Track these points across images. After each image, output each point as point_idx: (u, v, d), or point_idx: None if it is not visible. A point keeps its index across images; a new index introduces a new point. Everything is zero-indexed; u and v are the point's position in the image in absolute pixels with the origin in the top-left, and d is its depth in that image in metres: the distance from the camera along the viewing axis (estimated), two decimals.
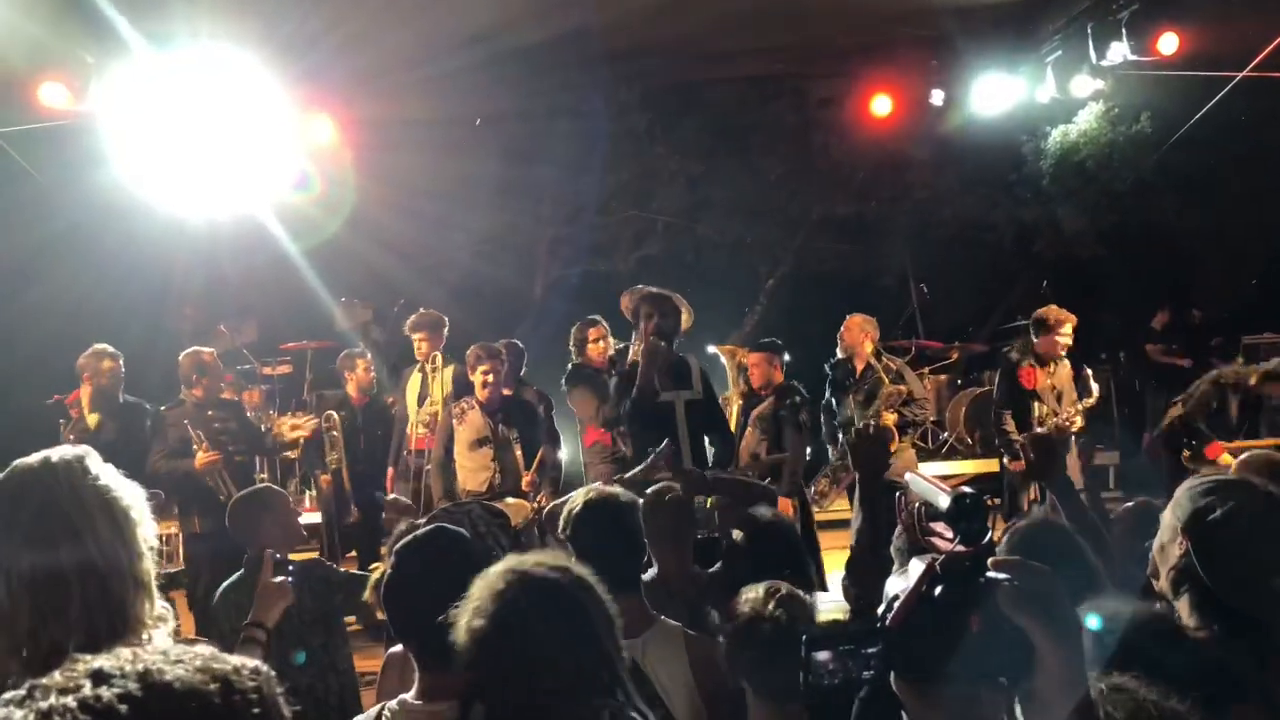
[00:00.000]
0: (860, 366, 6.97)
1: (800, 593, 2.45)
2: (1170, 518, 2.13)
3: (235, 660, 0.99)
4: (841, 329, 7.12)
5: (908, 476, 1.67)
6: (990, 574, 1.25)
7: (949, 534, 1.41)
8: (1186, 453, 6.27)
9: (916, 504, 1.50)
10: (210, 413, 6.25)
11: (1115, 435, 9.45)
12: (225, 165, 7.43)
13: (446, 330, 7.08)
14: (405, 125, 8.94)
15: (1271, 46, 6.89)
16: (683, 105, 10.70)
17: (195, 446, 5.98)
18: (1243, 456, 3.59)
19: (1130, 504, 3.47)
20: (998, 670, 1.22)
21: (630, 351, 5.40)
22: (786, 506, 5.89)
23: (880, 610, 1.38)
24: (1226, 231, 11.06)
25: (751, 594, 2.42)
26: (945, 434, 10.09)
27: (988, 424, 8.15)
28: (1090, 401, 7.03)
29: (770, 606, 2.36)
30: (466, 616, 1.77)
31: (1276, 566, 2.06)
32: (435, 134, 9.29)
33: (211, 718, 0.93)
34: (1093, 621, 1.61)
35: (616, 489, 3.14)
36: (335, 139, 8.27)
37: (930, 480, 1.53)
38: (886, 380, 6.82)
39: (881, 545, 3.00)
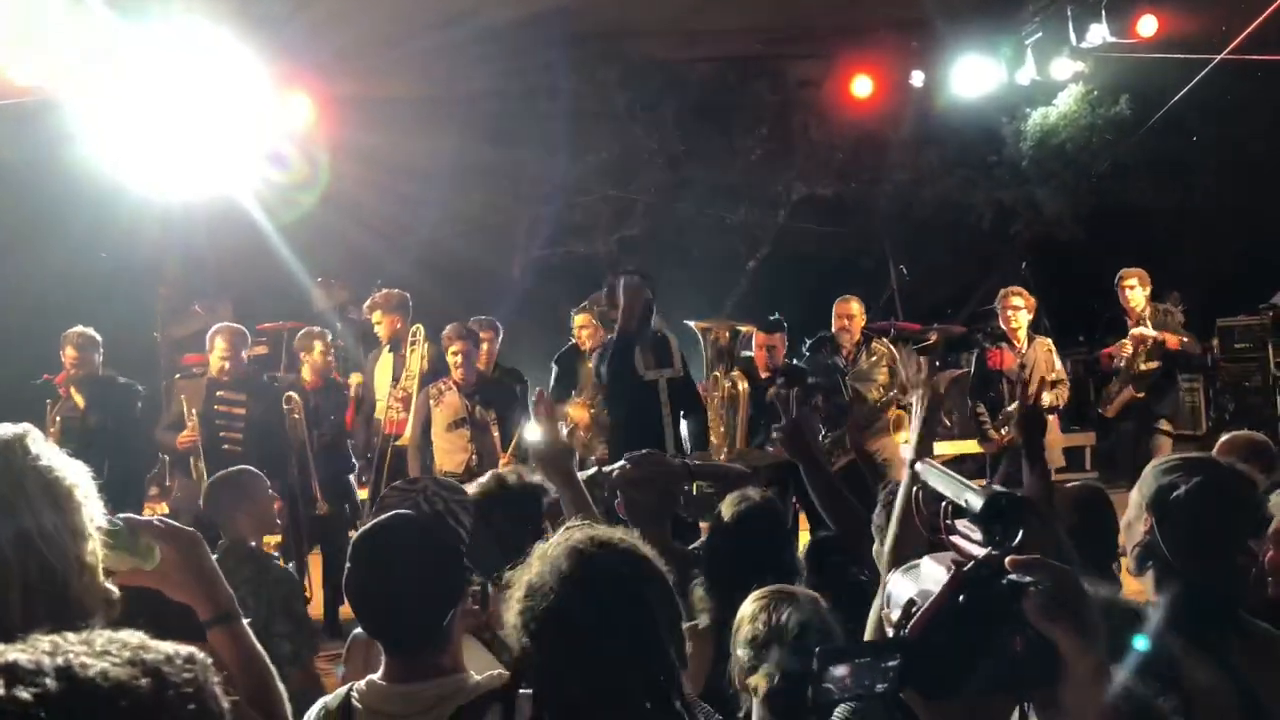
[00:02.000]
0: (849, 348, 6.78)
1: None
2: (1137, 495, 2.14)
3: (168, 648, 0.89)
4: (843, 307, 6.84)
5: (920, 467, 1.54)
6: (1013, 577, 1.16)
7: (975, 535, 1.29)
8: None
9: (944, 503, 1.36)
10: (221, 393, 6.07)
11: (1090, 417, 9.50)
12: (200, 143, 7.31)
13: (410, 308, 6.82)
14: (382, 103, 8.88)
15: (1249, 29, 6.91)
16: (662, 85, 10.63)
17: (186, 421, 5.91)
18: (1225, 437, 3.62)
19: (1072, 486, 3.49)
20: (1023, 683, 1.15)
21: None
22: None
23: (897, 618, 1.29)
24: (1203, 214, 11.11)
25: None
26: None
27: (964, 405, 8.18)
28: (1052, 377, 6.95)
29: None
30: (522, 590, 1.61)
31: (1238, 543, 2.08)
32: (412, 112, 9.23)
33: (143, 716, 0.83)
34: (1140, 644, 1.51)
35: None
36: (312, 117, 8.20)
37: (948, 472, 1.40)
38: (897, 367, 6.69)
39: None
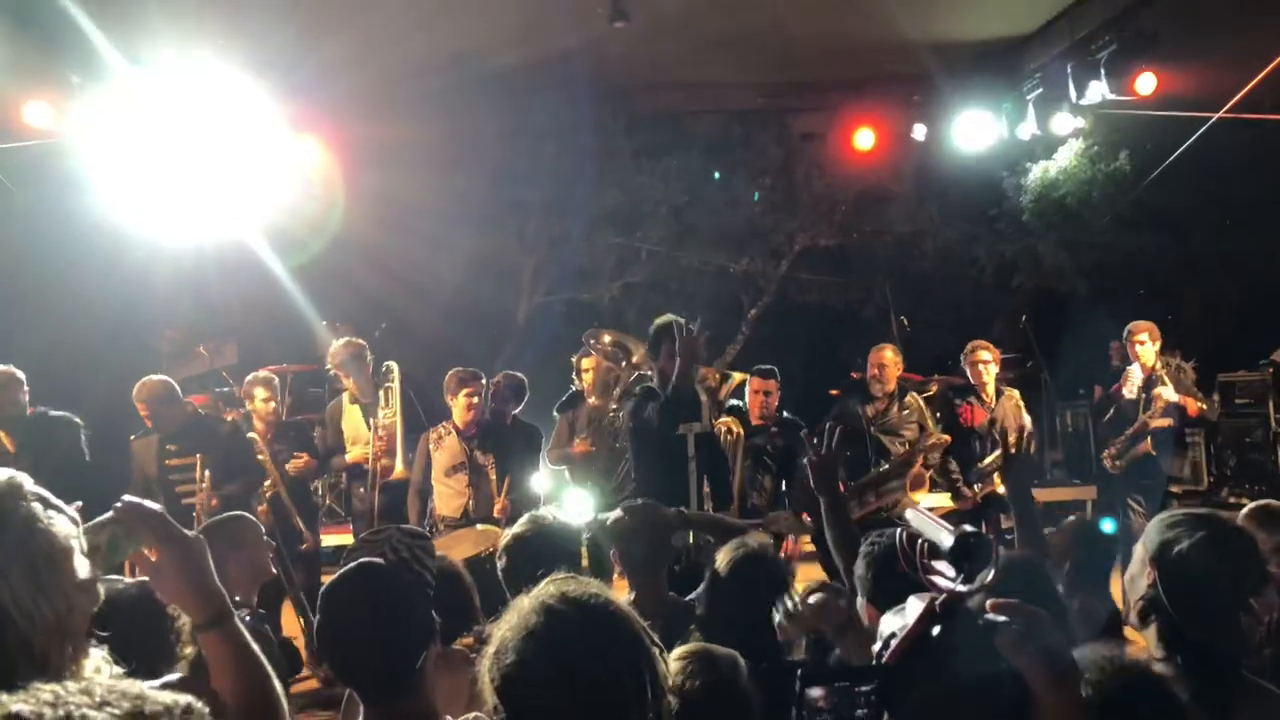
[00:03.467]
0: (881, 398, 6.59)
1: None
2: (1140, 549, 2.15)
3: (166, 699, 0.90)
4: (877, 355, 6.66)
5: (908, 513, 1.65)
6: (989, 616, 1.22)
7: (950, 573, 1.38)
8: None
9: (919, 540, 1.47)
10: (170, 446, 5.90)
11: (1092, 470, 9.48)
12: (211, 186, 7.40)
13: (369, 356, 6.71)
14: (392, 146, 8.96)
15: (1244, 91, 7.00)
16: (668, 135, 10.77)
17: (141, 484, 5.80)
18: (1250, 506, 3.58)
19: (1066, 524, 3.47)
20: (995, 713, 1.20)
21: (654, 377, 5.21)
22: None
23: (877, 648, 1.34)
24: (1203, 268, 11.19)
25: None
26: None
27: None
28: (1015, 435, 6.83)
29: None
30: (494, 645, 1.61)
31: (1241, 600, 2.09)
32: (422, 155, 9.32)
33: None
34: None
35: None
36: (323, 159, 8.28)
37: (930, 516, 1.51)
38: (928, 424, 6.63)
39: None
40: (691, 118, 10.69)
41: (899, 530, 2.42)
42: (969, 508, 6.77)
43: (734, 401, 6.61)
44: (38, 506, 1.41)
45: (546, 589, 1.63)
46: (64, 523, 1.43)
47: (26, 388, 6.00)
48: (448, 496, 5.91)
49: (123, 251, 7.94)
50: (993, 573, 1.32)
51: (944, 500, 7.15)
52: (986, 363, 6.92)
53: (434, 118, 8.70)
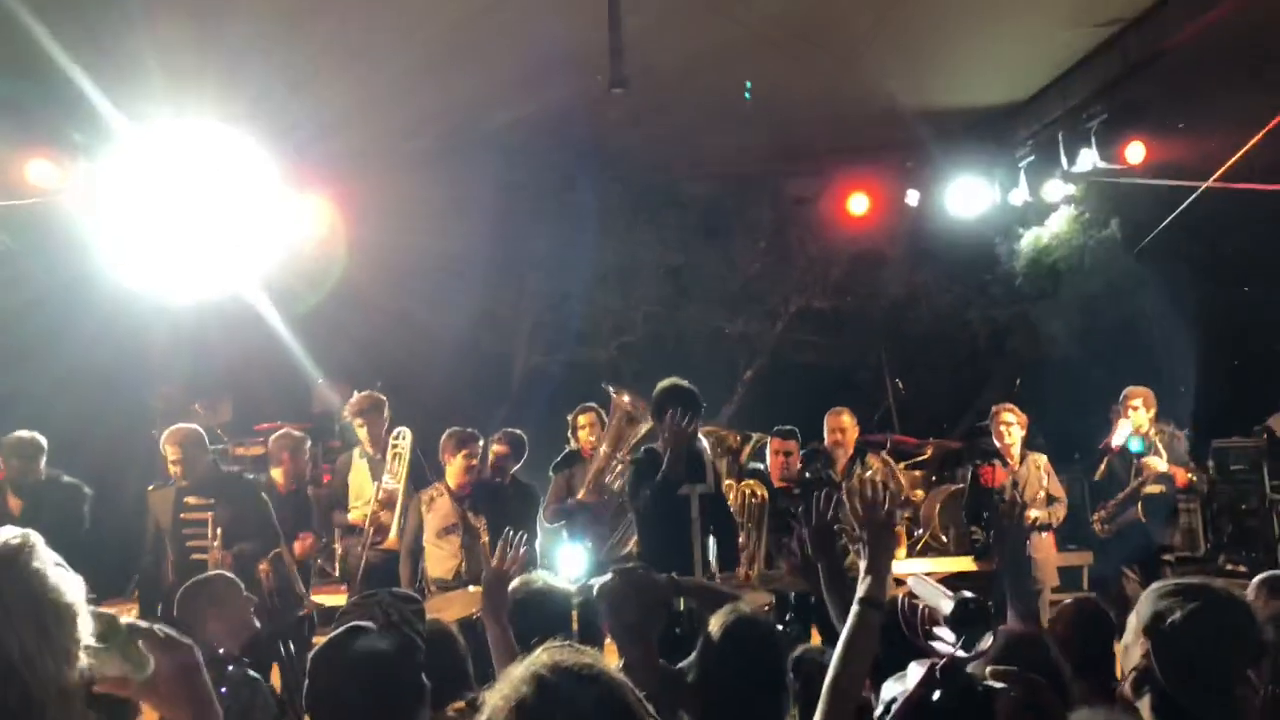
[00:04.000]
0: (843, 461, 6.72)
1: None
2: (1134, 619, 2.13)
3: None
4: (834, 419, 6.77)
5: (910, 580, 1.66)
6: (989, 683, 1.22)
7: (950, 638, 1.39)
8: None
9: (921, 606, 1.48)
10: (189, 499, 5.88)
11: (1088, 536, 9.44)
12: (212, 243, 7.45)
13: (388, 412, 6.79)
14: (393, 203, 9.03)
15: (1231, 161, 7.12)
16: (664, 198, 10.88)
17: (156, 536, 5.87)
18: (1261, 576, 3.57)
19: (1069, 603, 3.44)
20: None
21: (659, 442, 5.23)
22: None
23: (878, 714, 1.35)
24: (1196, 334, 11.24)
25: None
26: (920, 530, 10.05)
27: (960, 521, 8.14)
28: (1042, 495, 6.87)
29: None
30: (485, 715, 1.58)
31: (1236, 671, 2.07)
32: (422, 213, 9.37)
33: None
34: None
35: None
36: (323, 216, 8.35)
37: (931, 583, 1.52)
38: (893, 483, 6.65)
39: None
40: (687, 180, 10.81)
41: (900, 596, 2.39)
42: (988, 569, 6.76)
43: (755, 465, 6.61)
44: (50, 565, 1.44)
45: (539, 658, 1.60)
46: (74, 585, 1.46)
47: (45, 455, 6.16)
48: (440, 558, 5.87)
49: (121, 308, 7.96)
50: (991, 638, 1.33)
51: (965, 564, 7.15)
52: (1010, 425, 6.99)
53: (433, 174, 8.79)
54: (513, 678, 1.58)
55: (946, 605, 1.37)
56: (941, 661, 1.29)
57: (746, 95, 7.46)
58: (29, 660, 1.35)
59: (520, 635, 3.17)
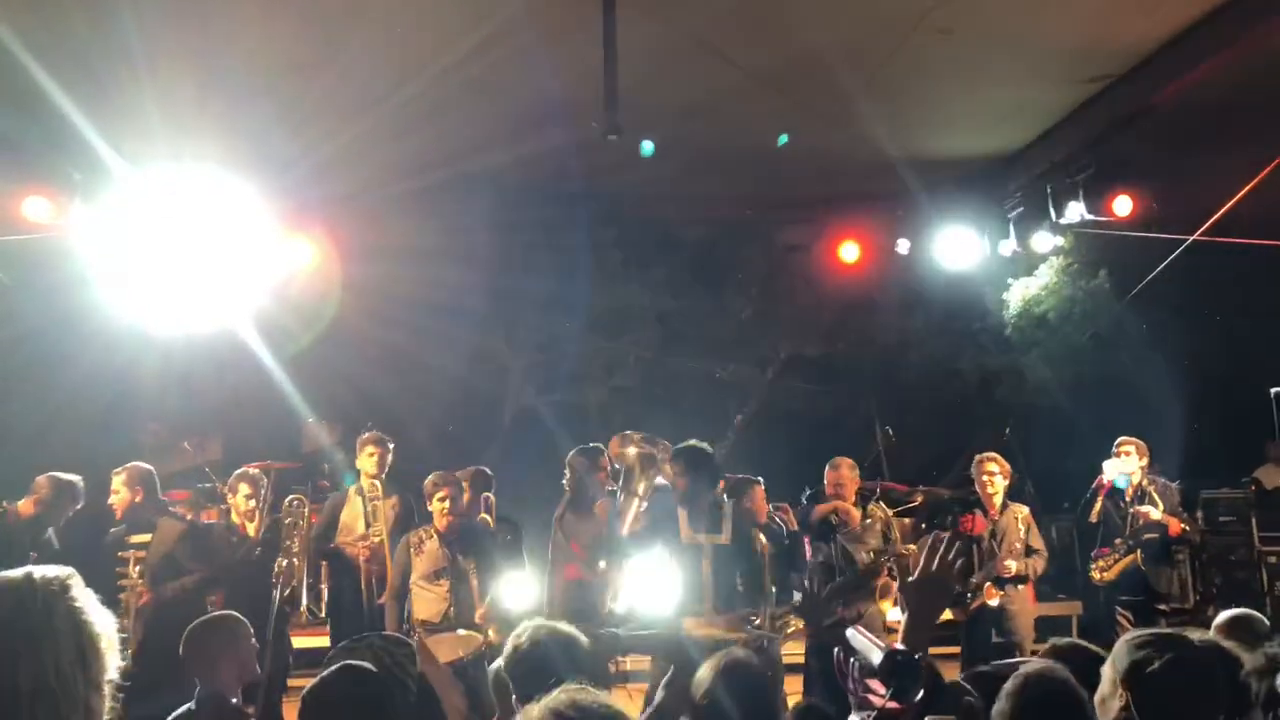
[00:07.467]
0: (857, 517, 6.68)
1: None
2: (1110, 670, 2.14)
3: None
4: (834, 472, 6.75)
5: (848, 632, 1.68)
6: None
7: (880, 690, 1.42)
8: None
9: (852, 659, 1.51)
10: (127, 538, 5.98)
11: (1077, 585, 9.42)
12: (205, 282, 7.49)
13: (390, 460, 6.84)
14: (384, 243, 9.09)
15: (1218, 215, 7.22)
16: (656, 244, 10.95)
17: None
18: (1223, 615, 3.58)
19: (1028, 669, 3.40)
20: None
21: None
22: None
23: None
24: (1184, 384, 11.29)
25: None
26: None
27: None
28: (1019, 547, 6.87)
29: None
30: None
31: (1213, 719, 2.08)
32: (412, 254, 9.42)
33: None
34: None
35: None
36: (315, 256, 8.40)
37: (868, 636, 1.54)
38: (892, 533, 6.68)
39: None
40: (680, 226, 10.89)
41: (835, 649, 2.38)
42: (962, 619, 6.73)
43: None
44: (91, 600, 1.53)
45: (558, 697, 1.62)
46: (109, 623, 1.55)
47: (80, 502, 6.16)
48: (429, 601, 5.83)
49: (114, 345, 7.97)
50: (923, 692, 1.36)
51: (945, 614, 7.09)
52: (993, 474, 6.94)
53: (426, 215, 8.86)
54: (531, 716, 1.60)
55: (875, 656, 1.41)
56: (873, 715, 1.33)
57: (781, 142, 7.55)
58: (64, 682, 1.42)
59: (531, 677, 3.14)
